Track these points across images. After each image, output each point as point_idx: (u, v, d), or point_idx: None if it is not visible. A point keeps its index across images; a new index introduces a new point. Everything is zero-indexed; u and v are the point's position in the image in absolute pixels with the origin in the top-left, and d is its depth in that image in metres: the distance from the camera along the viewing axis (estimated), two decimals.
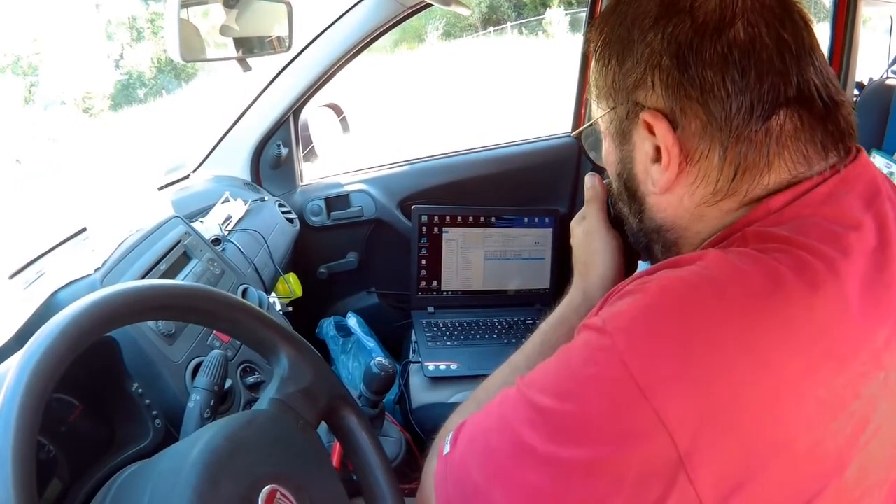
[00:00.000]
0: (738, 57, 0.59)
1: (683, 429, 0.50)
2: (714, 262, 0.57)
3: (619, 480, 0.52)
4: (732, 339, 0.52)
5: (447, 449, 0.67)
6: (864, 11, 2.49)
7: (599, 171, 0.87)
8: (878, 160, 1.98)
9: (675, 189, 0.65)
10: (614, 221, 0.86)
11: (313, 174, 2.05)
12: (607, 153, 0.74)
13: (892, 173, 2.02)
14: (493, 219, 1.95)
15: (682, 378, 0.51)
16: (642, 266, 0.89)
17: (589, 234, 0.88)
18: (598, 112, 0.73)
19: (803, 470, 0.53)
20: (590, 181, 0.89)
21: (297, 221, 1.87)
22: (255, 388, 1.06)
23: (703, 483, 0.50)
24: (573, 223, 0.93)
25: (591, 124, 0.76)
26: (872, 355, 0.55)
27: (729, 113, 0.60)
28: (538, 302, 1.99)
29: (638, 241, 0.77)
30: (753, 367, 0.52)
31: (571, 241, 0.92)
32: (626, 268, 0.88)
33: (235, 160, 1.87)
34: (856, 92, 2.37)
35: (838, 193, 0.61)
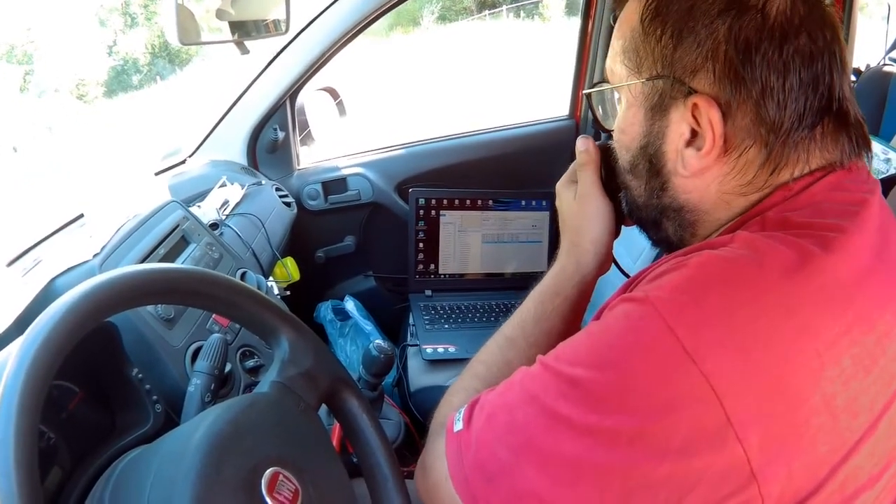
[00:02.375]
0: (800, 65, 0.62)
1: (731, 392, 0.52)
2: (747, 242, 0.60)
3: (664, 446, 0.53)
4: (774, 306, 0.55)
5: (459, 426, 0.67)
6: None
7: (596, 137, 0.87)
8: (875, 146, 1.98)
9: (704, 175, 0.67)
10: (607, 187, 0.85)
11: (310, 158, 2.04)
12: (628, 122, 0.72)
13: (888, 159, 2.01)
14: (491, 202, 1.94)
15: (729, 344, 0.54)
16: (630, 234, 0.89)
17: (582, 199, 0.85)
18: (627, 75, 0.70)
19: (842, 423, 0.56)
20: (583, 144, 0.86)
21: (294, 205, 1.86)
22: (255, 371, 1.06)
23: (750, 442, 0.52)
24: (560, 186, 0.90)
25: (615, 86, 0.73)
26: (894, 316, 0.60)
27: (782, 116, 0.62)
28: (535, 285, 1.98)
29: (646, 215, 0.77)
30: (796, 332, 0.55)
31: (557, 204, 0.91)
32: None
33: (232, 144, 1.85)
34: (853, 78, 2.37)
35: (845, 181, 0.65)
